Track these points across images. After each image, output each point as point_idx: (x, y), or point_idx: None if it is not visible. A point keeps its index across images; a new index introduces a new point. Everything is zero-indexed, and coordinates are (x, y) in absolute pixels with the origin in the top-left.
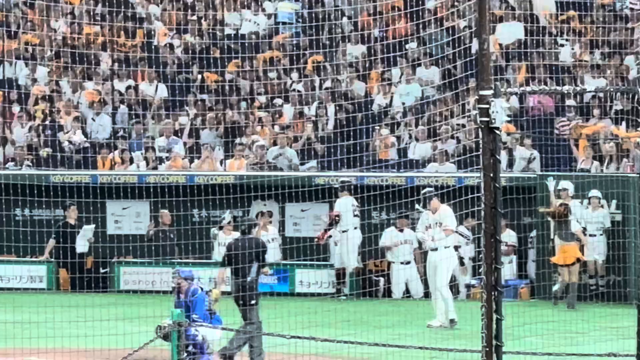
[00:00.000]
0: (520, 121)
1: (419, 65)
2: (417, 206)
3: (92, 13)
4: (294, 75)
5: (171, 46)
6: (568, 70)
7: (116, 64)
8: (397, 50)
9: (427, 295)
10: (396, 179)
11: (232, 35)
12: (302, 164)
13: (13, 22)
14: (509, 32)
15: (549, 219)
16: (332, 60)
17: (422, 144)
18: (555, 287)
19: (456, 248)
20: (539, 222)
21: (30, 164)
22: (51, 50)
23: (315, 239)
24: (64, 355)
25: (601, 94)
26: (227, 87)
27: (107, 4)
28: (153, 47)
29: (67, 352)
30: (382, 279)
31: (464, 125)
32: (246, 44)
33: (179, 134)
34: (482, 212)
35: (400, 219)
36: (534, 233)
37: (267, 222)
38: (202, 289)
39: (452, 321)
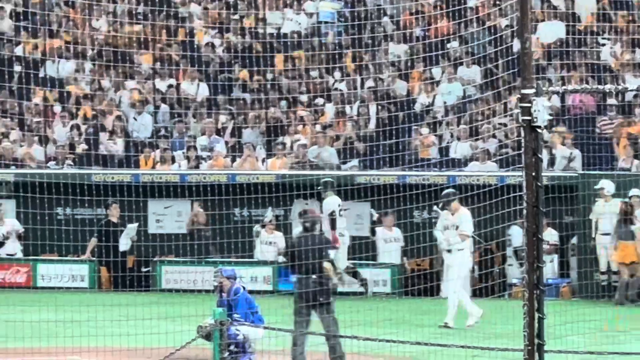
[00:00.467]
0: (562, 120)
1: (461, 64)
2: (435, 207)
3: (134, 12)
4: (337, 74)
5: (212, 45)
6: (609, 69)
7: (157, 63)
8: (439, 49)
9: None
10: (437, 178)
11: (274, 34)
12: (343, 163)
13: (55, 21)
14: (551, 31)
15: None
16: (374, 59)
17: (463, 143)
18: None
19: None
20: (581, 222)
21: (72, 163)
22: (92, 50)
23: (336, 245)
24: (106, 354)
25: None
26: (268, 86)
27: (149, 3)
28: (195, 46)
29: (109, 350)
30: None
31: (505, 124)
32: (288, 43)
33: (221, 133)
34: (524, 211)
35: None
36: (575, 240)
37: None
38: (244, 288)
39: (446, 325)
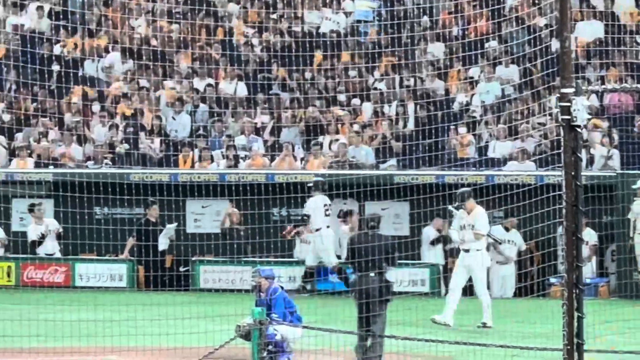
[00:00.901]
0: (601, 119)
1: (499, 63)
2: (449, 207)
3: (172, 12)
4: (376, 73)
5: (251, 44)
6: None
7: (196, 63)
8: (477, 48)
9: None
10: (476, 178)
11: (312, 33)
12: (381, 162)
13: (93, 19)
14: (589, 31)
15: None
16: (413, 59)
17: (502, 142)
18: None
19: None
20: (620, 221)
21: (110, 163)
22: (131, 49)
23: (282, 234)
24: (145, 354)
25: None
26: (307, 86)
27: (188, 2)
28: (233, 45)
29: (148, 350)
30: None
31: (543, 124)
32: (327, 42)
33: (261, 132)
34: (564, 210)
35: (509, 219)
36: (614, 246)
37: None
38: (282, 287)
39: (484, 325)
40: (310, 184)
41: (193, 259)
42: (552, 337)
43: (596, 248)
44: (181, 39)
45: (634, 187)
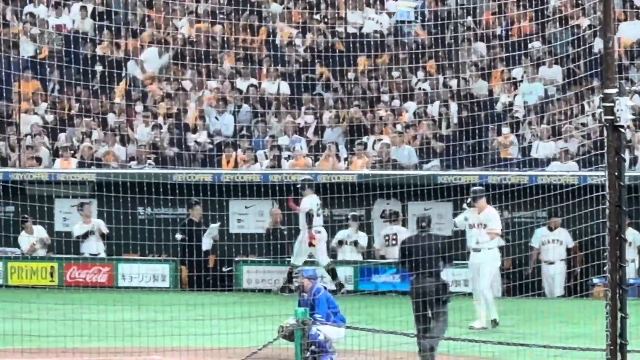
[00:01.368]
0: None
1: (543, 64)
2: (464, 205)
3: (216, 12)
4: (420, 73)
5: (294, 44)
6: None
7: (239, 63)
8: (520, 49)
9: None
10: (519, 178)
11: (355, 34)
12: (425, 163)
13: (136, 20)
14: (633, 31)
15: None
16: (456, 59)
17: (545, 142)
18: None
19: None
20: None
21: (153, 163)
22: (173, 49)
23: (310, 243)
24: (187, 354)
25: None
26: (350, 86)
27: (232, 2)
28: (277, 45)
29: (192, 350)
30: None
31: (586, 124)
32: (371, 42)
33: (304, 132)
34: (607, 211)
35: (553, 219)
36: None
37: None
38: (325, 287)
39: (494, 322)
40: (299, 185)
41: (236, 259)
42: (596, 338)
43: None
44: (225, 39)
45: None
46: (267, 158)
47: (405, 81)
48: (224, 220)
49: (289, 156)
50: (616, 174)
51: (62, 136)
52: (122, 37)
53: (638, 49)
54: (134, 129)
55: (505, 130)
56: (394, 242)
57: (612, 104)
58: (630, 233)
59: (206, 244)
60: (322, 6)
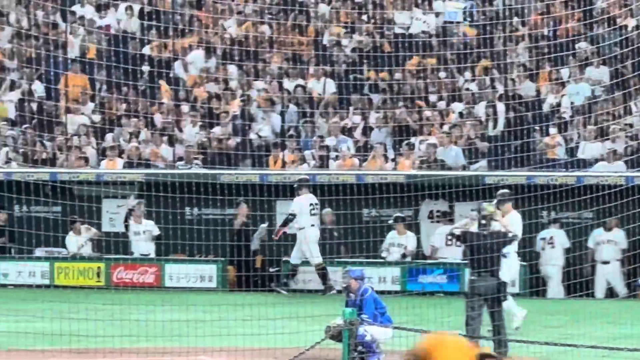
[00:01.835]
0: None
1: (589, 64)
2: (484, 204)
3: (265, 12)
4: (467, 74)
5: (341, 45)
6: None
7: (286, 63)
8: (567, 49)
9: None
10: (566, 179)
11: (404, 34)
12: (472, 163)
13: (184, 20)
14: None
15: None
16: (504, 60)
17: (591, 143)
18: None
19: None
20: None
21: (200, 163)
22: (220, 49)
23: (273, 237)
24: (235, 354)
25: None
26: (397, 86)
27: (280, 2)
28: (324, 45)
29: (240, 350)
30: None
31: (632, 125)
32: (420, 43)
33: (352, 132)
34: None
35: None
36: None
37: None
38: (372, 288)
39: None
40: (295, 184)
41: (283, 259)
42: None
43: None
44: (273, 39)
45: None
46: (314, 158)
47: (452, 82)
48: (271, 221)
49: (336, 156)
50: None
51: (109, 136)
52: (169, 37)
53: None
54: (182, 129)
55: (553, 130)
56: (450, 242)
57: None
58: None
59: (254, 244)
60: (370, 7)
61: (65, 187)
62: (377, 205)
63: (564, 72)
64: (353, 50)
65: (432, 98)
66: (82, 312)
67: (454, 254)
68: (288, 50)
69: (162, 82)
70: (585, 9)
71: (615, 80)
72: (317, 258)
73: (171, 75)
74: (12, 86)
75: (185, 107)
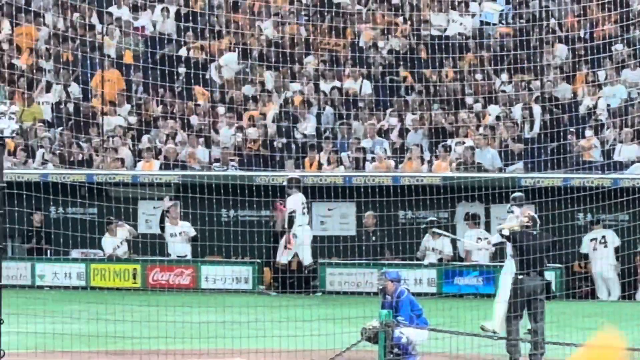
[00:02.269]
0: None
1: (625, 67)
2: (508, 207)
3: (302, 13)
4: (503, 76)
5: (377, 46)
6: None
7: (322, 64)
8: (603, 51)
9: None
10: (602, 181)
11: (440, 36)
12: (508, 165)
13: (220, 22)
14: None
15: None
16: (541, 61)
17: (627, 145)
18: None
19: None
20: None
21: (236, 165)
22: (257, 51)
23: (288, 246)
24: (273, 356)
25: None
26: (433, 88)
27: (317, 4)
28: (362, 48)
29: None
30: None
31: None
32: (456, 45)
33: (389, 133)
34: None
35: None
36: None
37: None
38: (408, 290)
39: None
40: (285, 184)
41: (320, 261)
42: None
43: None
44: (310, 40)
45: None
46: (351, 160)
47: (489, 83)
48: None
49: (372, 158)
50: None
51: (145, 138)
52: (206, 38)
53: None
54: (218, 130)
55: (589, 133)
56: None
57: None
58: None
59: None
60: (406, 8)
61: (102, 189)
62: (414, 207)
63: (601, 74)
64: (390, 52)
65: (469, 100)
66: (118, 313)
67: (483, 258)
68: (325, 52)
69: (198, 88)
70: (622, 11)
71: None
72: (308, 258)
73: (207, 77)
74: (49, 88)
75: (221, 109)
